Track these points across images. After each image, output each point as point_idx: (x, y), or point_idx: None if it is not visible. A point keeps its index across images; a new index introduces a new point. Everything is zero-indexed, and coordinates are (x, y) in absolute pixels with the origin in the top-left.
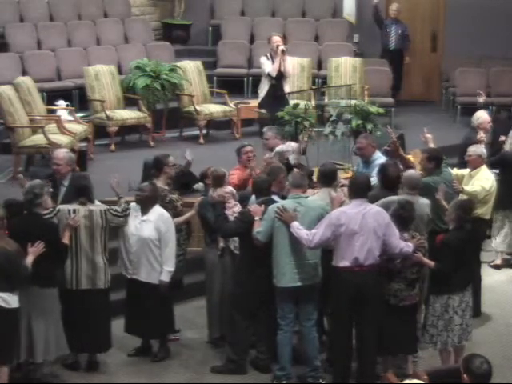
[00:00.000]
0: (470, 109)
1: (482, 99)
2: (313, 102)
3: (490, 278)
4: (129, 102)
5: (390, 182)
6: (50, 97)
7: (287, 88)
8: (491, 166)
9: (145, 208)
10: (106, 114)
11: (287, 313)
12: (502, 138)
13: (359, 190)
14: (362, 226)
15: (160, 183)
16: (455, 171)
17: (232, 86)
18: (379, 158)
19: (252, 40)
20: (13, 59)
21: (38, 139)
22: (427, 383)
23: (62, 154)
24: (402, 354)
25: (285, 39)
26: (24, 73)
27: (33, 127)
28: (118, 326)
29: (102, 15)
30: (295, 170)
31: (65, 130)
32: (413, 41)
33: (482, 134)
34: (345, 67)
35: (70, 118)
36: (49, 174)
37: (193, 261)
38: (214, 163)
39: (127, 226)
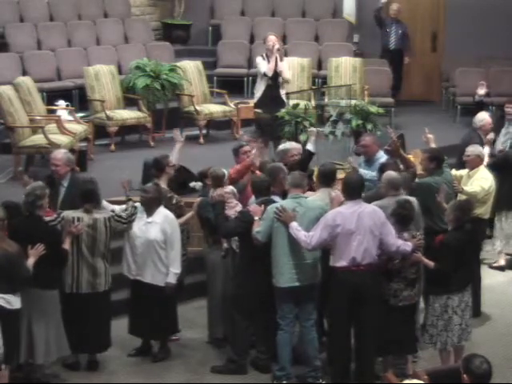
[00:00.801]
0: (470, 109)
1: (483, 91)
2: (313, 102)
3: (492, 278)
4: (129, 102)
5: None
6: (50, 97)
7: (283, 91)
8: (494, 166)
9: (149, 209)
10: (105, 114)
11: (287, 313)
12: (491, 135)
13: (353, 190)
14: (358, 226)
15: (162, 184)
16: (454, 172)
17: (232, 86)
18: (382, 158)
19: (252, 40)
20: (13, 59)
21: (38, 139)
22: (427, 383)
23: (60, 154)
24: (402, 354)
25: (285, 39)
26: (24, 73)
27: (33, 127)
28: (118, 326)
29: (102, 15)
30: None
31: (65, 130)
32: (413, 41)
33: (491, 136)
34: (345, 67)
35: (70, 118)
36: (48, 174)
37: (193, 261)
38: (213, 163)
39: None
